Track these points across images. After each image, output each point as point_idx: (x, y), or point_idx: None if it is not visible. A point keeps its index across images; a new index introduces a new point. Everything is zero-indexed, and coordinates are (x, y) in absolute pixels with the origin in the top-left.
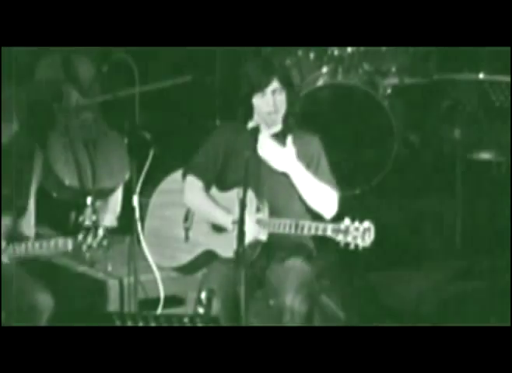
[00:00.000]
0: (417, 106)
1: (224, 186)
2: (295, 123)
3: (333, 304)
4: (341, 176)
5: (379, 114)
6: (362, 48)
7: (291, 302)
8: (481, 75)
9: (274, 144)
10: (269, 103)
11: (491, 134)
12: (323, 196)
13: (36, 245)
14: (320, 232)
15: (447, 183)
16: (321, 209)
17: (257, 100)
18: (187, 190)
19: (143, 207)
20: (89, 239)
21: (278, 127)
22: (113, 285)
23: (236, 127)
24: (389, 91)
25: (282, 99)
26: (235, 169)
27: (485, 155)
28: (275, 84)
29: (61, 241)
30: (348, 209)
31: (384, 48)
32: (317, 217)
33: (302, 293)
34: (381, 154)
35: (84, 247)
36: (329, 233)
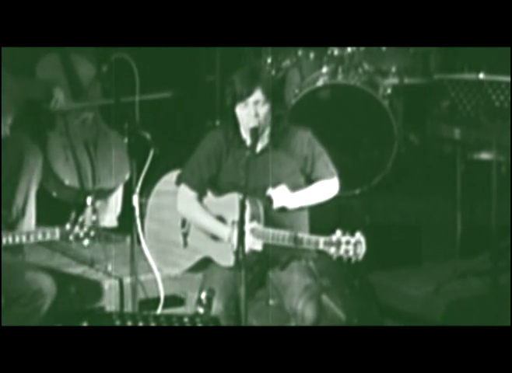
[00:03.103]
0: (417, 106)
1: (219, 192)
2: (281, 139)
3: (333, 304)
4: (341, 176)
5: (379, 114)
6: (362, 48)
7: (301, 308)
8: (481, 75)
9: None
10: (250, 113)
11: (491, 134)
12: (324, 195)
13: (24, 234)
14: (312, 246)
15: (447, 183)
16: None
17: (239, 110)
18: (179, 201)
19: (143, 207)
20: (76, 229)
21: (264, 142)
22: (113, 285)
23: (225, 133)
24: (389, 91)
25: (265, 110)
26: (228, 173)
27: (485, 155)
28: (257, 95)
29: (48, 231)
30: (348, 209)
31: (383, 48)
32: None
33: (310, 298)
34: (381, 154)
35: (71, 237)
36: (321, 246)
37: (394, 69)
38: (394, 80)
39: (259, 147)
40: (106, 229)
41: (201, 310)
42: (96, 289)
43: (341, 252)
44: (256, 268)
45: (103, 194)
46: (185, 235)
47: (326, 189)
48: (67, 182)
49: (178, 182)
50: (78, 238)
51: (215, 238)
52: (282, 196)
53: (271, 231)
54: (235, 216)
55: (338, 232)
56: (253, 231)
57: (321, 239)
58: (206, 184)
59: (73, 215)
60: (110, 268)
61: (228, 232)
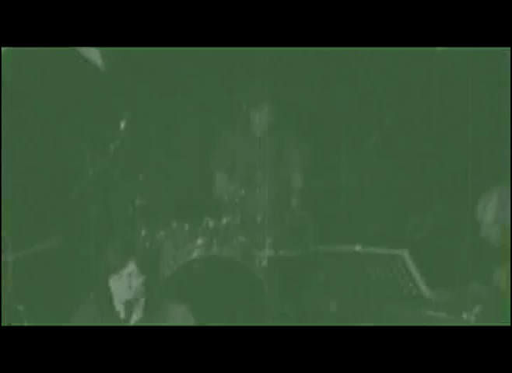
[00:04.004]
0: (293, 278)
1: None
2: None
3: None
4: None
5: (254, 287)
6: (237, 220)
7: None
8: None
9: None
10: (124, 285)
11: None
12: None
13: None
14: None
15: None
16: None
17: (113, 282)
18: None
19: None
20: None
21: (138, 315)
22: None
23: (98, 305)
24: (265, 263)
25: (139, 282)
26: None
27: None
28: (131, 267)
29: None
30: None
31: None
32: None
33: None
34: None
35: None
36: None
37: (269, 241)
38: (269, 252)
39: (134, 319)
40: None
41: None
42: None
43: None
44: None
45: None
46: None
47: None
48: None
49: None
50: None
51: None
52: None
53: None
54: None
55: None
56: None
57: None
58: None
59: None
60: None
61: None
